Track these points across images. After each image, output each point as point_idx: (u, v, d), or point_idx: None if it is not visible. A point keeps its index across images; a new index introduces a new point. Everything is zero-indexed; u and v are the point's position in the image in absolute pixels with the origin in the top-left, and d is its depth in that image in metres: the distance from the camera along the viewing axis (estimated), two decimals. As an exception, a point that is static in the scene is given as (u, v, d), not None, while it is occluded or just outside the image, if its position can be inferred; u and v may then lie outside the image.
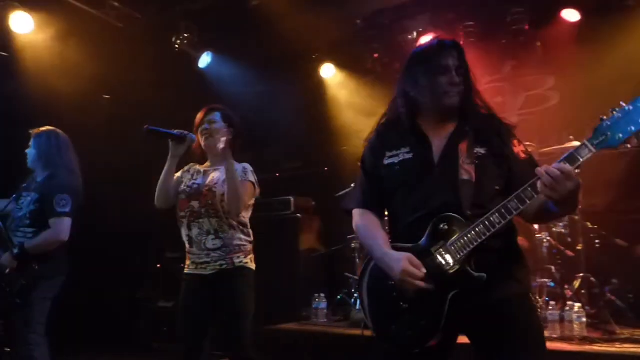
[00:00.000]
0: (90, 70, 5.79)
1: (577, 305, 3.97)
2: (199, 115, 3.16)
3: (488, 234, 1.84)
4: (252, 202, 3.13)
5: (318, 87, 6.43)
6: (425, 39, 5.55)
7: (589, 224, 4.60)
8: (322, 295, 5.19)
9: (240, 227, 3.04)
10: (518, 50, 5.74)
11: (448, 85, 1.97)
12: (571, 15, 5.25)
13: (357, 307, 4.94)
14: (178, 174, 3.16)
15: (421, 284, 1.86)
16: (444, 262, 1.89)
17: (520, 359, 1.84)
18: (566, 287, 4.43)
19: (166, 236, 6.22)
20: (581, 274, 4.43)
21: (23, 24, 5.15)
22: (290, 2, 5.37)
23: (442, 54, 2.00)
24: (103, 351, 5.77)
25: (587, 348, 3.57)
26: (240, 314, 2.94)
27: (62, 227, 3.34)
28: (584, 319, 3.88)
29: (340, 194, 5.59)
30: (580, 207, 4.61)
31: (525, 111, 5.83)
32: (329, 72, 6.36)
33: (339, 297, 5.23)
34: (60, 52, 5.53)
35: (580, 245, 4.54)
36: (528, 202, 1.80)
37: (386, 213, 2.22)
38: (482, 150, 1.97)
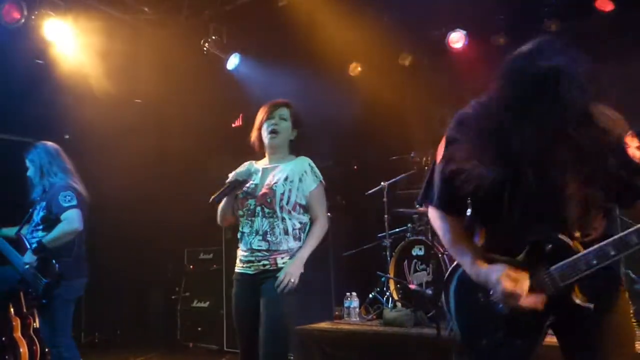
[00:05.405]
0: (121, 75, 5.90)
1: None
2: (267, 108, 3.00)
3: (598, 266, 1.69)
4: None
5: (347, 85, 6.42)
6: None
7: (625, 218, 4.47)
8: (354, 293, 5.18)
9: (294, 232, 2.87)
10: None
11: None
12: (605, 4, 5.11)
13: (389, 305, 4.93)
14: (238, 169, 2.99)
15: (525, 302, 1.74)
16: (545, 287, 1.76)
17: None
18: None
19: (200, 238, 6.33)
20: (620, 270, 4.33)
21: (56, 32, 5.24)
22: (317, 2, 5.37)
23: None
24: (139, 351, 5.87)
25: (628, 347, 3.48)
26: (275, 319, 2.76)
27: (74, 218, 3.51)
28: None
29: (371, 192, 5.57)
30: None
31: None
32: (357, 70, 6.34)
33: (370, 295, 5.21)
34: (92, 57, 5.64)
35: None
36: None
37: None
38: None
